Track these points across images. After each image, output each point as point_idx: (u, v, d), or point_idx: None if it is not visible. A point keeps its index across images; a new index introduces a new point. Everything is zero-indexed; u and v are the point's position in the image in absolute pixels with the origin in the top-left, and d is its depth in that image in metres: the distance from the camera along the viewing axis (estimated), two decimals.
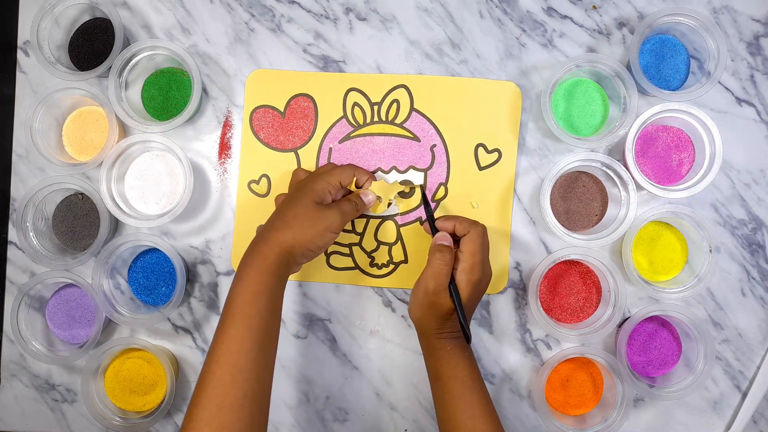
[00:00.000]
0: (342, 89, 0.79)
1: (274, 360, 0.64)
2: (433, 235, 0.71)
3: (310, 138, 0.79)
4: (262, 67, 0.80)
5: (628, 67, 0.75)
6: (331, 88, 0.79)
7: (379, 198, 0.75)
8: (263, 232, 0.68)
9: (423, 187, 0.78)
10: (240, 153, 0.79)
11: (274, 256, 0.65)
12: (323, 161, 0.79)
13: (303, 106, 0.79)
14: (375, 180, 0.75)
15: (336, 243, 0.79)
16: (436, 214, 0.78)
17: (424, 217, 0.78)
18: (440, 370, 0.68)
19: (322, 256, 0.79)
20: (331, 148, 0.79)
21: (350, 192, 0.75)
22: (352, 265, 0.79)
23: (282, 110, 0.79)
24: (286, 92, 0.79)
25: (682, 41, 0.78)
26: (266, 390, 0.62)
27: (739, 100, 0.78)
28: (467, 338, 0.67)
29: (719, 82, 0.78)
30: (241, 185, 0.79)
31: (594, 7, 0.79)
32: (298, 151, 0.79)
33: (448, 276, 0.68)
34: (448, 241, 0.69)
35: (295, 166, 0.79)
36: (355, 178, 0.74)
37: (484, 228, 0.70)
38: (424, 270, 0.69)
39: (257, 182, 0.79)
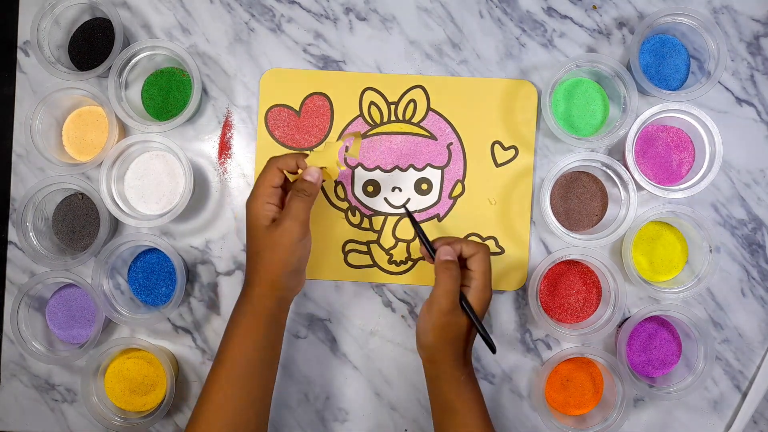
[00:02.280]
0: (358, 88, 0.79)
1: (267, 393, 0.67)
2: (431, 258, 0.69)
3: (326, 136, 0.79)
4: (261, 67, 0.80)
5: (628, 67, 0.75)
6: (347, 88, 0.79)
7: (324, 168, 0.68)
8: (245, 275, 0.68)
9: (409, 210, 0.77)
10: (255, 152, 0.79)
11: (257, 298, 0.66)
12: (340, 159, 0.78)
13: (318, 105, 0.79)
14: (307, 156, 0.67)
15: (354, 241, 0.79)
16: (454, 211, 0.78)
17: (441, 213, 0.78)
18: (453, 401, 0.65)
19: (340, 254, 0.79)
20: (347, 147, 0.79)
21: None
22: (371, 262, 0.79)
23: (297, 109, 0.79)
24: (301, 91, 0.79)
25: (682, 41, 0.78)
26: (258, 421, 0.66)
27: (739, 100, 0.78)
28: (492, 349, 0.66)
29: (719, 82, 0.78)
30: None
31: (594, 7, 0.79)
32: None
33: (458, 292, 0.66)
34: (452, 255, 0.67)
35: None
36: (284, 171, 0.67)
37: (488, 248, 0.69)
38: (433, 291, 0.66)
39: None
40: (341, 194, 0.79)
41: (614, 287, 0.75)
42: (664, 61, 0.78)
